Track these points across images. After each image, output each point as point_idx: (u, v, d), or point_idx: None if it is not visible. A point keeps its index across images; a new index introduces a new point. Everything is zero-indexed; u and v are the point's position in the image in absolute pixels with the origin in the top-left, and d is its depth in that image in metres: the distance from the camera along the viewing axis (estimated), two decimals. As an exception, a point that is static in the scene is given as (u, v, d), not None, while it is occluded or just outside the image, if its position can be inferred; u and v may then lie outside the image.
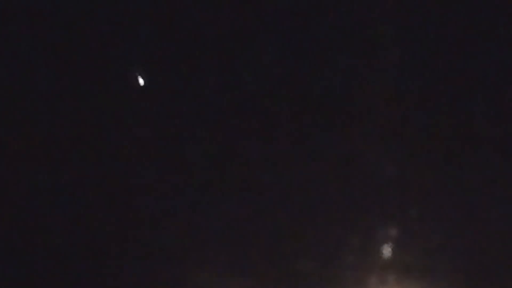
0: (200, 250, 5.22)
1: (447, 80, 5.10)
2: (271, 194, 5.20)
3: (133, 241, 5.26)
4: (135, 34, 5.10)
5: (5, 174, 5.13)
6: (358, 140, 5.12)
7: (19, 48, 5.11)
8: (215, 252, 5.21)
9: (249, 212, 5.18)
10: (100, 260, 5.24)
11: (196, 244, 5.23)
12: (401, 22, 5.03)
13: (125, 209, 5.21)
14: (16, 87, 5.13)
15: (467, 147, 5.10)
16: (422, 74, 5.10)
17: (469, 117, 5.11)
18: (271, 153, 5.16)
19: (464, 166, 5.09)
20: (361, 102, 5.14)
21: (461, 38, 5.05)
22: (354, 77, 5.12)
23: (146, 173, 5.20)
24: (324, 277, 5.14)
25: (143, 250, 5.25)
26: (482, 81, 5.10)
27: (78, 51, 5.14)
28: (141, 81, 5.10)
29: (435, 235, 5.13)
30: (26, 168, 5.13)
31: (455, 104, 5.12)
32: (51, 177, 5.16)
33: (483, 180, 5.08)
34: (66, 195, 5.18)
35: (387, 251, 5.14)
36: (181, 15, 5.11)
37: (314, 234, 5.16)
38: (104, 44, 5.09)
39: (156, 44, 5.12)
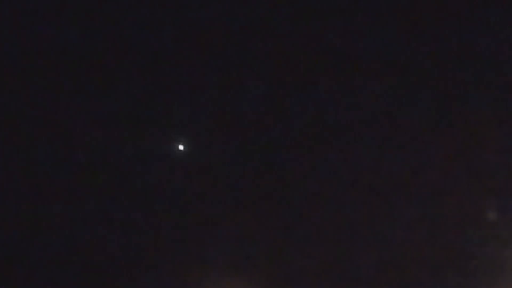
0: (201, 251, 5.26)
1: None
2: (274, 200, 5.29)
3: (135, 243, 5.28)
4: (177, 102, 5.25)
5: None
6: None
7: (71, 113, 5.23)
8: (216, 252, 5.24)
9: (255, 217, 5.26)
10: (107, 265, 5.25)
11: (197, 244, 5.26)
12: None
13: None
14: (63, 150, 5.23)
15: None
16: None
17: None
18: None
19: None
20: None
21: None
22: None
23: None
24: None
25: (143, 250, 5.27)
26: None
27: (119, 119, 5.26)
28: (180, 147, 5.24)
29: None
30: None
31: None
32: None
33: None
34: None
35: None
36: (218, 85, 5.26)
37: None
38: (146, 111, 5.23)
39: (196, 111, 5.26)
